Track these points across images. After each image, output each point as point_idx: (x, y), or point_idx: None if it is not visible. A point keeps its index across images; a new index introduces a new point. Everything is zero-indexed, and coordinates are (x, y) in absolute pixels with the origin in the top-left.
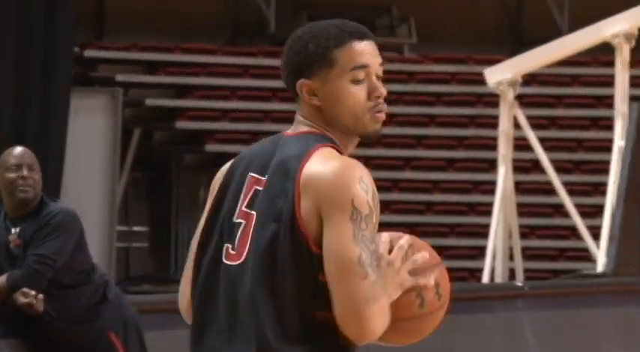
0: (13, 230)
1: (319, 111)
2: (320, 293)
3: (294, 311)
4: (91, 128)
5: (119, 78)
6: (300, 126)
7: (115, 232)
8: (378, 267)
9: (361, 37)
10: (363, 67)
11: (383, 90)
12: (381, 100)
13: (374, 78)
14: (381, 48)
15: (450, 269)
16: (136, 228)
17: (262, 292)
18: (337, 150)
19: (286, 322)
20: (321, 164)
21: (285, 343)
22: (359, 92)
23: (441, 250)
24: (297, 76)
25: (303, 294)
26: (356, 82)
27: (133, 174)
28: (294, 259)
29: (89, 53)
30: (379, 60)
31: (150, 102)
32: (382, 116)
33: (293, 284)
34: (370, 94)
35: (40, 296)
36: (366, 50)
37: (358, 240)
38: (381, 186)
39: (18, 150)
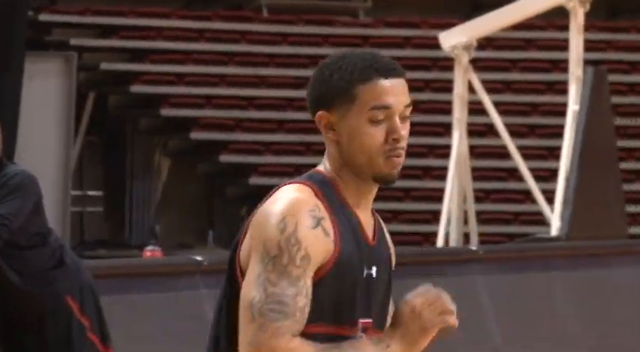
0: None
1: (337, 146)
2: None
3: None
4: (45, 92)
5: (73, 42)
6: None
7: (70, 196)
8: (273, 312)
9: (389, 74)
10: (385, 107)
11: (403, 132)
12: (400, 144)
13: (396, 119)
14: (335, 12)
15: (404, 234)
16: (90, 193)
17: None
18: (312, 189)
19: None
20: (268, 201)
21: None
22: (376, 133)
23: (395, 214)
24: (318, 106)
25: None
26: (374, 122)
27: (88, 138)
28: (226, 296)
29: (43, 17)
30: (406, 100)
31: (104, 66)
32: (398, 161)
33: (226, 320)
34: (388, 137)
35: None
36: (390, 89)
37: (258, 283)
38: None
39: None
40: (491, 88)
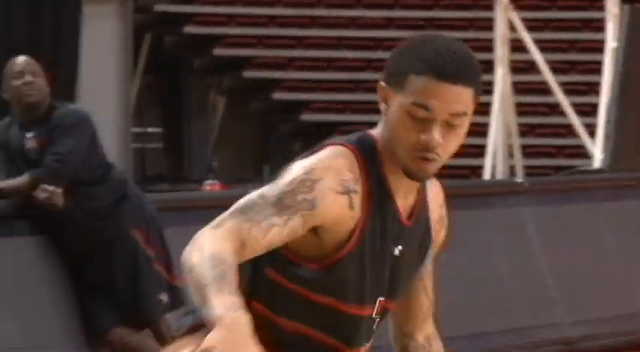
0: (28, 134)
1: (385, 120)
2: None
3: None
4: (103, 34)
5: None
6: None
7: (130, 134)
8: (242, 213)
9: (446, 78)
10: (425, 107)
11: (437, 138)
12: (430, 148)
13: (436, 124)
14: None
15: (452, 167)
16: (150, 130)
17: None
18: (357, 156)
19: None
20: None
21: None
22: (412, 129)
23: None
24: (384, 77)
25: None
26: (413, 117)
27: (146, 78)
28: None
29: None
30: (455, 109)
31: (158, 7)
32: (426, 165)
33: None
34: (419, 137)
35: (59, 190)
36: (439, 93)
37: (255, 194)
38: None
39: (20, 59)
40: (531, 26)
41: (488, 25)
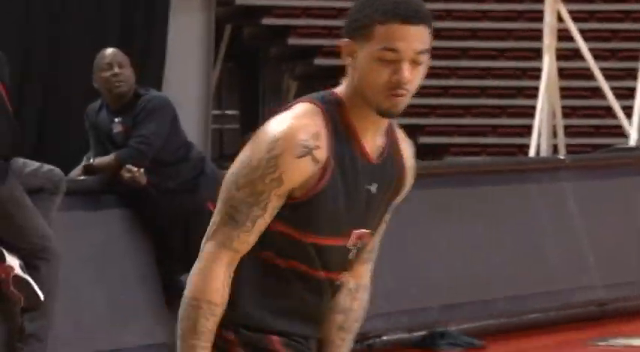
0: (115, 119)
1: (353, 73)
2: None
3: None
4: (188, 25)
5: None
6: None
7: (210, 115)
8: (229, 216)
9: (406, 21)
10: (393, 50)
11: (406, 75)
12: (401, 85)
13: (404, 63)
14: None
15: (501, 146)
16: (228, 112)
17: None
18: (319, 109)
19: None
20: (279, 115)
21: None
22: (382, 71)
23: (494, 128)
24: (347, 34)
25: None
26: (383, 61)
27: (226, 64)
28: None
29: None
30: (418, 46)
31: (239, 1)
32: (398, 100)
33: None
34: (392, 77)
35: (142, 170)
36: (403, 35)
37: (232, 177)
38: (441, 73)
39: (109, 51)
40: (577, 17)
41: (537, 16)
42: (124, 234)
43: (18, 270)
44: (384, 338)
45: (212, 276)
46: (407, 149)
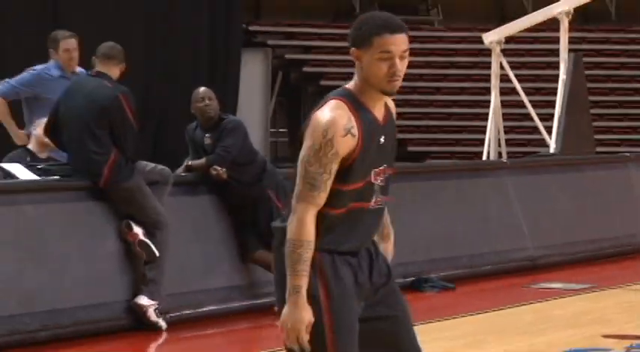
0: (206, 135)
1: (361, 71)
2: None
3: None
4: (253, 72)
5: (269, 42)
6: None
7: (269, 132)
8: (308, 184)
9: (394, 31)
10: (387, 52)
11: (399, 66)
12: (396, 74)
13: (396, 59)
14: (417, 22)
15: (463, 153)
16: (280, 130)
17: None
18: (343, 102)
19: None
20: (319, 111)
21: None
22: (382, 66)
23: (459, 141)
24: (353, 45)
25: None
26: (382, 60)
27: (278, 98)
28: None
29: (252, 27)
30: (404, 47)
31: (288, 56)
32: (395, 84)
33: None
34: (389, 69)
35: (224, 169)
36: (393, 41)
37: (304, 158)
38: (421, 104)
39: (202, 89)
40: (513, 66)
41: (487, 65)
42: (213, 213)
43: (141, 236)
44: None
45: (306, 223)
46: (392, 106)
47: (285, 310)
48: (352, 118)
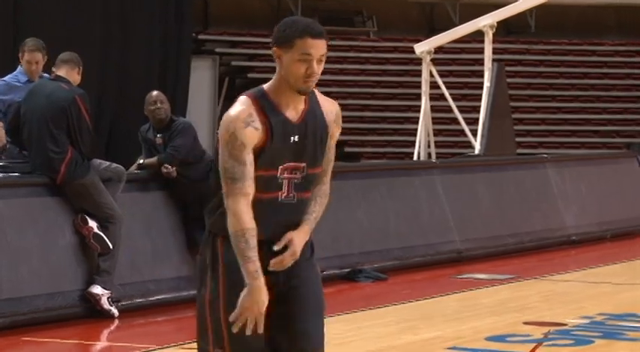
0: (158, 135)
1: (280, 70)
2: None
3: None
4: (201, 78)
5: (217, 50)
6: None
7: (216, 133)
8: (229, 178)
9: (315, 36)
10: (307, 54)
11: (315, 69)
12: (313, 75)
13: (314, 62)
14: (354, 33)
15: (396, 153)
16: None
17: None
18: (250, 97)
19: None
20: (229, 110)
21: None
22: (300, 67)
23: (391, 142)
24: (275, 44)
25: None
26: (301, 61)
27: (225, 102)
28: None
29: (201, 36)
30: (322, 51)
31: (233, 63)
32: (309, 84)
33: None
34: (307, 70)
35: (173, 168)
36: (313, 45)
37: (222, 158)
38: (356, 108)
39: (154, 92)
40: (442, 74)
41: (418, 73)
42: (163, 208)
43: (96, 229)
44: (324, 273)
45: (240, 213)
46: (327, 106)
47: (246, 293)
48: (255, 114)
